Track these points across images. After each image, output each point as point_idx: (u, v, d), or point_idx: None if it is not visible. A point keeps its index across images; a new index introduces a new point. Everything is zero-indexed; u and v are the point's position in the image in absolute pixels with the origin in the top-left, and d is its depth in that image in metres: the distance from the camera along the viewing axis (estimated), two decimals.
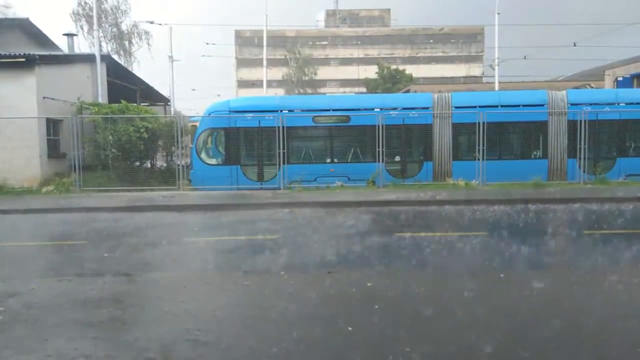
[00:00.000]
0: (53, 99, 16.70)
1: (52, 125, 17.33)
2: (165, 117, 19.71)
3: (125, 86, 23.53)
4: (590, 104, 15.71)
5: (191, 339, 4.36)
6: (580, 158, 15.33)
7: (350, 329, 4.52)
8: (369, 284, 5.89)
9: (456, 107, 15.89)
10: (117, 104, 17.74)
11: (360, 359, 3.90)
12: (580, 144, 15.26)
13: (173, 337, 4.40)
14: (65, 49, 23.25)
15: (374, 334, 4.41)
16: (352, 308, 5.13)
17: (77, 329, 4.66)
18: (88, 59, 20.75)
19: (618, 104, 15.89)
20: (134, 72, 29.79)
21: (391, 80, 49.81)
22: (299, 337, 4.38)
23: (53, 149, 17.25)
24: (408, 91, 33.94)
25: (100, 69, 20.51)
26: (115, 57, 31.23)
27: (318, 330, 4.53)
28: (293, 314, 4.99)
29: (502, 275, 6.31)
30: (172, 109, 25.26)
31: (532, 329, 4.49)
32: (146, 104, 22.06)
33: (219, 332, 4.60)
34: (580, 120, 15.16)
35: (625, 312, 4.92)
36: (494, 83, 30.14)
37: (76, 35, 25.47)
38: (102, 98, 20.13)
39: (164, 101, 28.74)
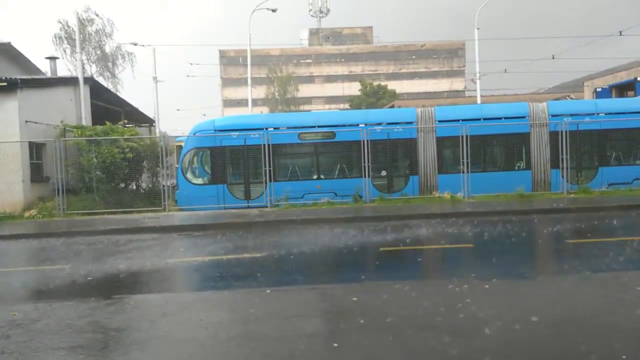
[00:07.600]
0: (36, 122, 16.60)
1: (35, 149, 17.16)
2: (150, 137, 19.61)
3: (109, 108, 23.43)
4: (571, 115, 15.95)
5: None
6: (562, 168, 15.55)
7: (335, 345, 4.49)
8: (354, 299, 5.88)
9: (439, 121, 16.05)
10: (101, 126, 17.65)
11: None
12: (562, 155, 15.48)
13: None
14: (48, 73, 23.16)
15: (358, 346, 4.40)
16: (338, 322, 5.11)
17: (59, 354, 4.56)
18: (71, 82, 20.69)
19: (598, 114, 16.15)
20: (118, 93, 29.74)
21: (375, 96, 50.39)
22: (289, 354, 4.34)
23: (36, 173, 17.05)
24: (392, 107, 34.27)
25: (84, 91, 20.46)
26: (99, 79, 31.21)
27: (304, 349, 4.50)
28: (281, 330, 4.94)
29: (487, 285, 6.32)
30: (157, 130, 25.21)
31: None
32: (131, 125, 22.00)
33: (206, 352, 4.54)
34: (562, 131, 15.41)
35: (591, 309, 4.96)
36: (476, 97, 30.51)
37: (58, 58, 25.43)
38: (86, 121, 20.05)
39: (149, 122, 28.67)
